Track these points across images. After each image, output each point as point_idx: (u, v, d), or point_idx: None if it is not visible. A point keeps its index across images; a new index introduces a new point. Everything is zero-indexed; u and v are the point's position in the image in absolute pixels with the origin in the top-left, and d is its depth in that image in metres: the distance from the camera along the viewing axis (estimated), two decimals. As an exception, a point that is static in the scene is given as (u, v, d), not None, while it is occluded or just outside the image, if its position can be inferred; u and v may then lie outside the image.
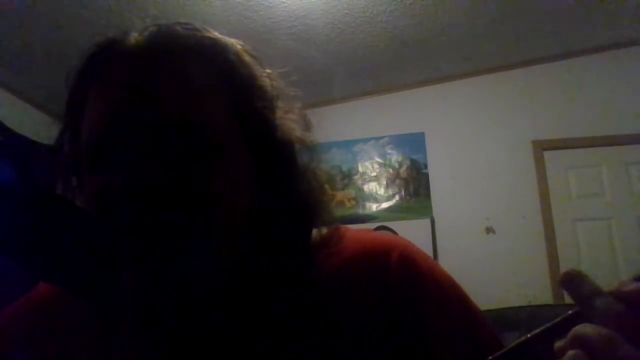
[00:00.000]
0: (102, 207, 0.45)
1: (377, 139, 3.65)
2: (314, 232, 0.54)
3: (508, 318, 2.32)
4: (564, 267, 3.13)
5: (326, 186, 0.56)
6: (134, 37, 0.49)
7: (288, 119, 0.53)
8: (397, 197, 3.56)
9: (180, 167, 0.44)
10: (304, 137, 0.54)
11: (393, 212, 3.53)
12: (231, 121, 0.48)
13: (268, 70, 0.54)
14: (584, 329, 0.31)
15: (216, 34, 0.52)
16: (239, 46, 0.52)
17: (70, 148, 0.50)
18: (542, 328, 0.33)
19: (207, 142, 0.45)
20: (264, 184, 0.50)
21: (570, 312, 0.33)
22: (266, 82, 0.52)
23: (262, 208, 0.50)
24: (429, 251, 3.29)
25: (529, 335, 0.33)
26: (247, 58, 0.52)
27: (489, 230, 3.36)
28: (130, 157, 0.43)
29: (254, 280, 0.51)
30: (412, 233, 3.32)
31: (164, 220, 0.43)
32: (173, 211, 0.43)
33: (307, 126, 0.55)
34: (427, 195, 3.51)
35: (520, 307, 2.55)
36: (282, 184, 0.51)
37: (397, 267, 0.51)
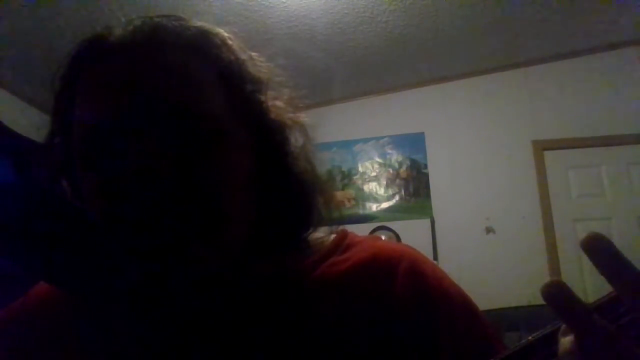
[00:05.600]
0: (104, 199, 0.45)
1: (377, 139, 3.65)
2: (321, 236, 0.54)
3: (508, 318, 2.32)
4: (564, 267, 3.14)
5: (320, 172, 0.56)
6: (119, 31, 0.49)
7: (278, 102, 0.53)
8: (397, 197, 3.56)
9: (183, 153, 0.44)
10: (295, 119, 0.54)
11: (393, 212, 3.52)
12: (226, 106, 0.48)
13: (254, 55, 0.54)
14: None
15: (200, 23, 0.52)
16: (224, 33, 0.52)
17: (61, 146, 0.50)
18: (543, 330, 0.32)
19: (207, 128, 0.46)
20: (262, 168, 0.50)
21: None
22: (253, 66, 0.53)
23: (261, 193, 0.50)
24: (429, 251, 3.29)
25: (530, 338, 0.33)
26: (232, 43, 0.52)
27: (489, 230, 3.36)
28: (131, 147, 0.44)
29: (253, 273, 0.51)
30: (412, 233, 3.32)
31: (168, 207, 0.43)
32: (177, 198, 0.43)
33: (296, 109, 0.55)
34: (427, 195, 3.51)
35: (520, 307, 2.55)
36: (279, 166, 0.51)
37: (405, 276, 0.51)
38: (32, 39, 2.60)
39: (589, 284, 2.91)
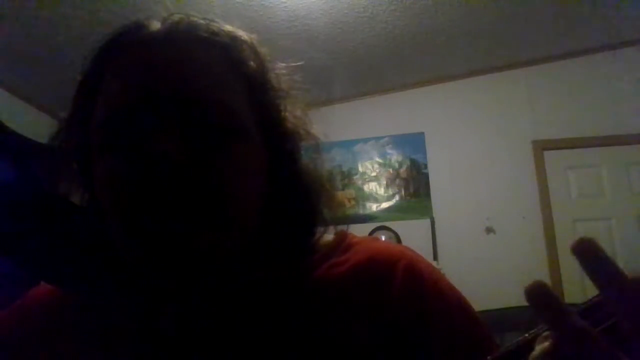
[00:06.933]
0: (116, 183, 0.45)
1: (377, 139, 3.66)
2: (321, 237, 0.55)
3: (508, 318, 2.32)
4: (564, 267, 3.14)
5: (328, 184, 0.57)
6: (157, 24, 0.51)
7: (294, 112, 0.55)
8: (397, 197, 3.57)
9: (203, 144, 0.45)
10: (308, 131, 0.56)
11: (393, 212, 3.53)
12: (248, 109, 0.50)
13: (281, 64, 0.56)
14: None
15: (231, 27, 0.54)
16: (253, 40, 0.54)
17: (79, 132, 0.50)
18: (539, 327, 0.33)
19: (229, 124, 0.47)
20: (273, 174, 0.51)
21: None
22: (277, 75, 0.54)
23: (270, 198, 0.51)
24: (429, 251, 3.29)
25: (527, 335, 0.33)
26: (260, 51, 0.54)
27: (489, 230, 3.36)
28: (154, 132, 0.44)
29: (256, 274, 0.51)
30: (412, 233, 3.32)
31: (179, 194, 0.43)
32: (189, 185, 0.43)
33: (310, 123, 0.57)
34: (427, 195, 3.51)
35: (520, 307, 2.55)
36: (288, 174, 0.53)
37: (402, 277, 0.51)
38: (32, 40, 2.60)
39: (589, 284, 2.90)
